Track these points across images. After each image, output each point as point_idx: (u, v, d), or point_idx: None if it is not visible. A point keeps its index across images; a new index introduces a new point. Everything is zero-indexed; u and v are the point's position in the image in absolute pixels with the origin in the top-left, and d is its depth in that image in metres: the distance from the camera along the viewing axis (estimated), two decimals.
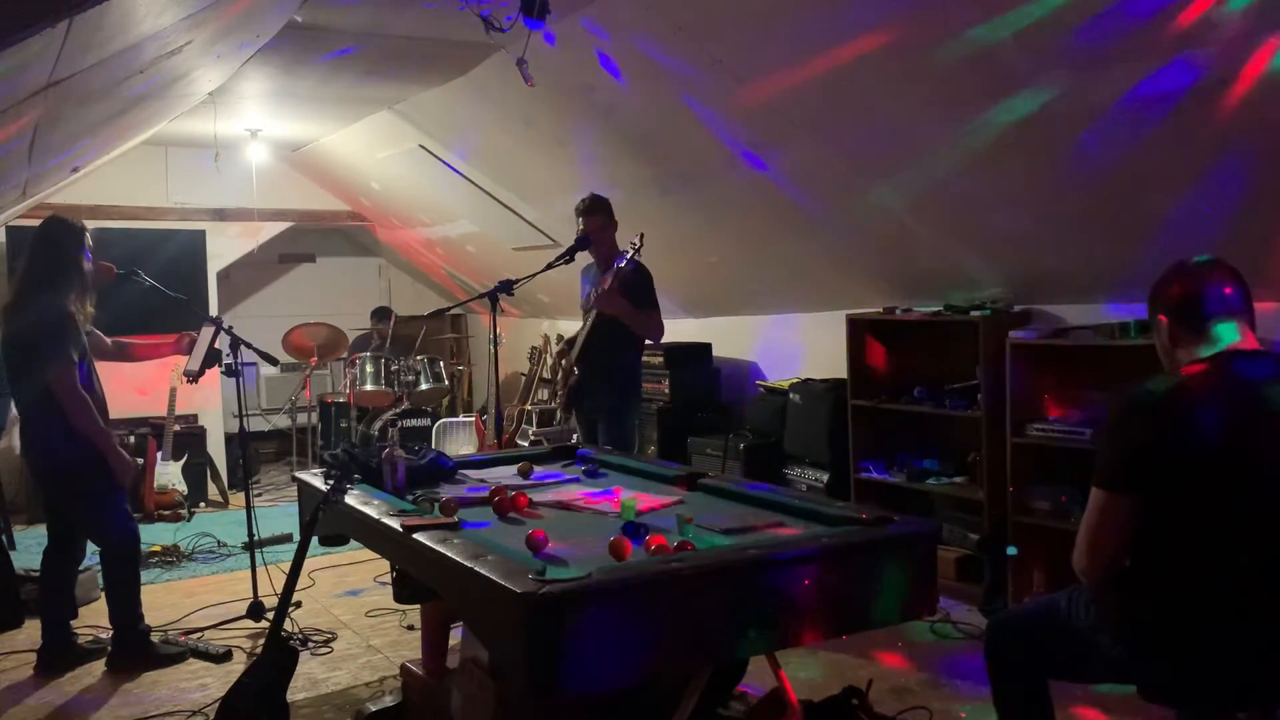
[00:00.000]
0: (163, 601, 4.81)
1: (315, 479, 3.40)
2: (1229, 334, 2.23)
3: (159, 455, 6.87)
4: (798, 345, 6.00)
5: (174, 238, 7.73)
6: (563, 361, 4.85)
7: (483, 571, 2.19)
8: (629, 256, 4.39)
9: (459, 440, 7.60)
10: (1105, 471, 2.21)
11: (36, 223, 4.43)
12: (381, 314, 8.23)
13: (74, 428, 3.84)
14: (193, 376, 4.48)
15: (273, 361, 4.83)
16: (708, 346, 6.41)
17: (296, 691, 3.56)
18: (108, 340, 4.30)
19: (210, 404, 7.66)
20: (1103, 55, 3.18)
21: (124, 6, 2.32)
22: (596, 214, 4.58)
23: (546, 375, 8.36)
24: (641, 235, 4.44)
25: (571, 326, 8.35)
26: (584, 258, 4.72)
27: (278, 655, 2.97)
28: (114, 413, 4.22)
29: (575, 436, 4.94)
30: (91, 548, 4.21)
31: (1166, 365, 2.33)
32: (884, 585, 2.46)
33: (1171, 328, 2.29)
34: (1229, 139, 3.23)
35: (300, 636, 4.22)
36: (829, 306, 5.54)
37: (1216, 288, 2.25)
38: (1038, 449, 4.28)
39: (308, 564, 3.16)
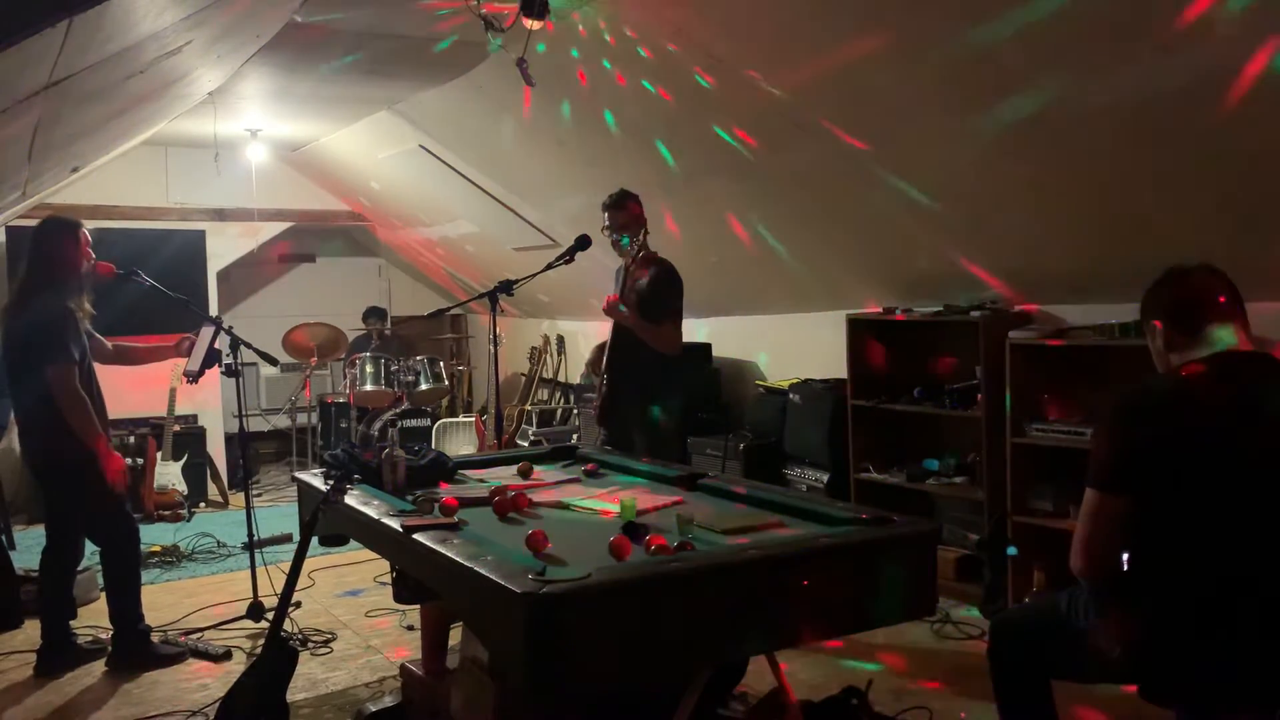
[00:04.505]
0: (163, 601, 4.80)
1: (315, 479, 3.40)
2: (1224, 337, 2.24)
3: (159, 455, 6.87)
4: (798, 345, 6.00)
5: (174, 238, 7.73)
6: (594, 371, 4.68)
7: (483, 571, 2.19)
8: (633, 255, 4.33)
9: (459, 440, 7.60)
10: (1100, 471, 2.21)
11: (36, 223, 4.42)
12: (375, 314, 8.23)
13: (70, 427, 3.84)
14: (193, 377, 4.47)
15: (273, 361, 4.83)
16: (708, 346, 6.41)
17: (296, 691, 3.56)
18: (107, 344, 4.29)
19: (210, 404, 7.65)
20: (1103, 55, 3.18)
21: (124, 6, 2.32)
22: (620, 209, 4.37)
23: (547, 375, 8.38)
24: (645, 232, 4.37)
25: (571, 325, 8.40)
26: (615, 259, 4.56)
27: (278, 655, 2.97)
28: (114, 413, 4.21)
29: (575, 437, 4.92)
30: (91, 548, 4.21)
31: (1161, 370, 2.34)
32: (884, 585, 2.46)
33: (1167, 332, 2.30)
34: (1228, 139, 3.23)
35: (300, 636, 4.22)
36: (829, 306, 5.53)
37: (1210, 292, 2.26)
38: (1038, 449, 4.28)
39: (308, 564, 3.16)
